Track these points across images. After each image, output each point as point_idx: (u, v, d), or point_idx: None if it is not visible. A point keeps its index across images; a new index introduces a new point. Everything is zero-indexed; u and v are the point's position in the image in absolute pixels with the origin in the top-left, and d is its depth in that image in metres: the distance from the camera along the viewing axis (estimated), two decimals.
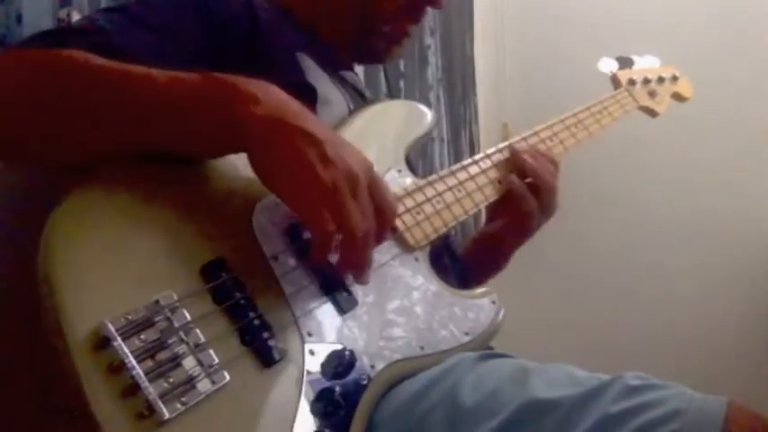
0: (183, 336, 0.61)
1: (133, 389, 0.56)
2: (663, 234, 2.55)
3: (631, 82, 1.35)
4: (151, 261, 0.64)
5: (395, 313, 0.79)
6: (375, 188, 0.71)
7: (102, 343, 0.57)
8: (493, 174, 1.01)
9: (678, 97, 1.43)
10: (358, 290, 0.77)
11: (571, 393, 0.70)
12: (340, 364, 0.70)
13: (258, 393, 0.64)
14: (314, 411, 0.66)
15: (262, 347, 0.66)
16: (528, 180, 1.02)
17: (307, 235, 0.74)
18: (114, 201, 0.65)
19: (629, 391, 0.68)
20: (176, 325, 0.61)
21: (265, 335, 0.66)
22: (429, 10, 1.06)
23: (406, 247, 0.86)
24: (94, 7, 1.12)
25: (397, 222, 0.85)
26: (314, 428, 0.66)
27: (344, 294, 0.75)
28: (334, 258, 0.70)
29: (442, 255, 0.99)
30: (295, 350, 0.68)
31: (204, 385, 0.60)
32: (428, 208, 0.90)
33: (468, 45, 2.61)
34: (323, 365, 0.69)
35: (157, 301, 0.61)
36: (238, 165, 0.72)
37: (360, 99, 1.05)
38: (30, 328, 0.59)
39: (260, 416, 0.64)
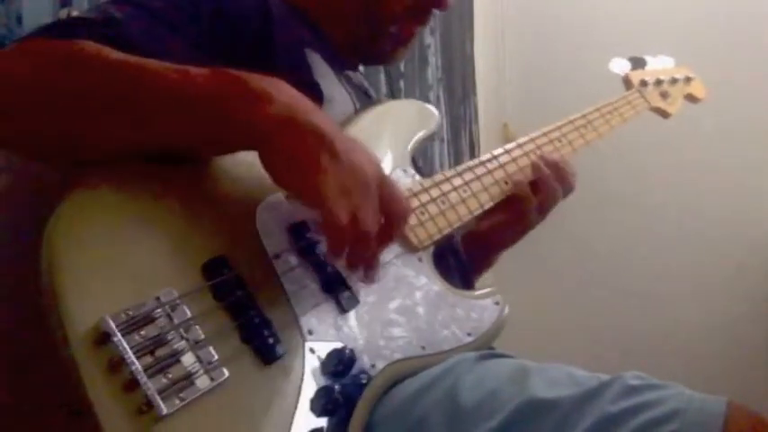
0: (182, 332, 0.61)
1: (132, 384, 0.57)
2: (663, 234, 2.55)
3: (643, 83, 1.33)
4: (153, 258, 0.64)
5: (396, 313, 0.79)
6: (385, 186, 0.71)
7: (102, 338, 0.57)
8: (499, 174, 1.01)
9: (691, 98, 1.41)
10: (359, 289, 0.77)
11: (571, 393, 0.70)
12: (340, 362, 0.70)
13: (257, 391, 0.64)
14: (313, 409, 0.66)
15: (262, 345, 0.66)
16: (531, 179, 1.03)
17: (310, 234, 0.74)
18: (116, 198, 0.65)
19: (629, 391, 0.69)
20: (176, 321, 0.61)
21: (265, 332, 0.66)
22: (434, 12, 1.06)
23: (410, 248, 0.86)
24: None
25: None
26: (313, 426, 0.66)
27: (346, 293, 0.75)
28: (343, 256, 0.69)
29: (446, 255, 0.99)
30: (295, 348, 0.69)
31: (203, 382, 0.61)
32: (433, 208, 0.90)
33: (468, 45, 2.61)
34: (323, 364, 0.70)
35: (158, 298, 0.61)
36: (241, 163, 0.72)
37: (365, 98, 1.05)
38: (31, 323, 0.59)
39: (259, 413, 0.64)
